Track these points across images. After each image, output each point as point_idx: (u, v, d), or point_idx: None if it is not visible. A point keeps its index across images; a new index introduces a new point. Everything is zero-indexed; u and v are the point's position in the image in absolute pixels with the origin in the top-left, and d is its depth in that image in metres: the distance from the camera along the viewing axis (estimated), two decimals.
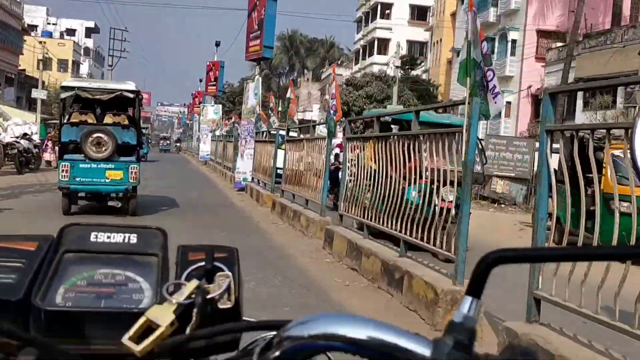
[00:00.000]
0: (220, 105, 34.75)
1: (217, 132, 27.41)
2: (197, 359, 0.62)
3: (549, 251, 0.65)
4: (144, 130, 36.27)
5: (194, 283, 0.61)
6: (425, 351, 0.47)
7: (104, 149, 9.62)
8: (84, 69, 61.74)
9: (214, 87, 34.64)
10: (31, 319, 0.60)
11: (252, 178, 15.09)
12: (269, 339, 0.53)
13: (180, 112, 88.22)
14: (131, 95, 9.94)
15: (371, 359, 0.49)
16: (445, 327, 0.48)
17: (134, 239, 0.68)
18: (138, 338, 0.56)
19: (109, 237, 0.68)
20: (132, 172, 9.73)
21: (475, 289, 0.48)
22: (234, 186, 16.46)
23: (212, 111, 32.27)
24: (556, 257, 0.62)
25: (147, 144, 35.74)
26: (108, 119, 10.10)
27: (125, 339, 0.56)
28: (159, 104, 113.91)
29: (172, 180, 17.78)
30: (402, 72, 33.88)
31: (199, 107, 40.00)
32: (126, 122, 10.19)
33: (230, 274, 0.64)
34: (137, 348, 0.55)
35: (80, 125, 9.72)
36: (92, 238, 0.68)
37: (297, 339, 0.50)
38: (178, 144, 59.18)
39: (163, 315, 0.57)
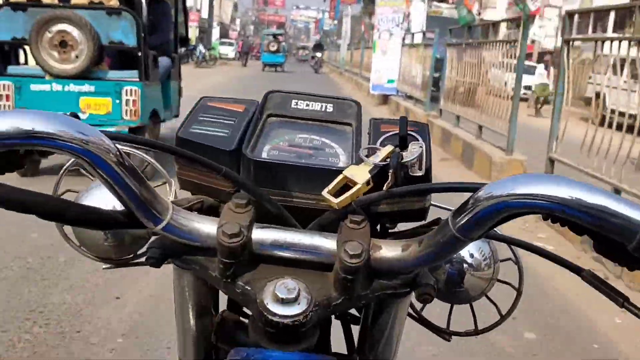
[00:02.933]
0: None
1: (416, 28, 13.84)
2: (387, 222, 0.70)
3: None
4: (280, 38, 31.20)
5: (389, 147, 0.64)
6: None
7: (73, 55, 5.16)
8: None
9: None
10: (242, 170, 0.66)
11: None
12: (463, 202, 0.53)
13: (317, 16, 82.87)
14: None
15: (577, 222, 0.48)
16: None
17: (330, 108, 0.73)
18: (336, 193, 0.61)
19: (307, 105, 0.73)
20: (127, 100, 5.18)
21: None
22: None
23: None
24: None
25: (284, 53, 31.52)
26: None
27: (325, 192, 0.61)
28: (295, 7, 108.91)
29: None
30: None
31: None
32: (115, 1, 5.52)
33: (423, 143, 0.66)
34: (336, 200, 0.60)
35: (30, 10, 5.24)
36: (293, 105, 0.73)
37: (495, 198, 0.50)
38: (318, 56, 33.62)
39: (359, 174, 0.61)
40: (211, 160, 0.63)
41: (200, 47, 28.06)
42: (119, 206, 0.62)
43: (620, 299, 0.56)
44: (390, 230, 0.72)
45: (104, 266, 0.79)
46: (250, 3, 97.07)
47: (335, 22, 61.42)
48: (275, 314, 0.56)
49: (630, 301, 0.55)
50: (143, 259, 0.72)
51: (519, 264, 0.81)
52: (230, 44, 44.57)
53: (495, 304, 0.81)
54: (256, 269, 0.61)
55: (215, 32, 37.59)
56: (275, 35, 31.31)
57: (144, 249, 0.72)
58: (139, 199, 0.57)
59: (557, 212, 0.48)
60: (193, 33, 35.38)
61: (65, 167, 0.77)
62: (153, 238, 0.65)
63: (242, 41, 39.16)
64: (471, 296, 0.77)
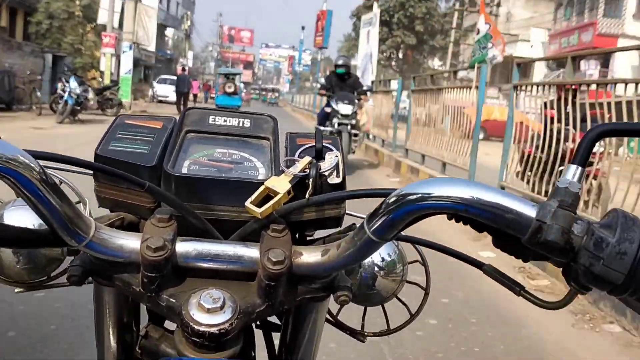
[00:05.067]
0: None
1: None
2: (306, 230, 0.72)
3: None
4: (237, 77, 24.99)
5: (307, 159, 0.66)
6: (531, 211, 0.50)
7: None
8: None
9: None
10: (162, 185, 0.65)
11: None
12: (376, 207, 0.56)
13: (294, 53, 70.46)
14: None
15: (477, 219, 0.52)
16: (550, 192, 0.51)
17: (247, 123, 0.73)
18: (258, 204, 0.62)
19: (225, 121, 0.73)
20: None
21: (580, 158, 0.52)
22: None
23: None
24: None
25: (241, 94, 26.75)
26: None
27: (247, 203, 0.62)
28: (264, 45, 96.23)
29: None
30: None
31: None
32: None
33: (338, 153, 0.69)
34: (259, 210, 0.61)
35: None
36: (210, 120, 0.73)
37: (406, 201, 0.53)
38: (344, 114, 8.99)
39: (280, 185, 0.63)
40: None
41: (71, 83, 13.73)
42: (34, 227, 0.67)
43: (517, 288, 0.61)
44: (308, 238, 0.74)
45: (16, 290, 0.76)
46: (214, 37, 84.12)
47: (310, 60, 50.09)
48: (201, 324, 0.57)
49: (526, 290, 0.61)
50: (57, 281, 0.76)
51: (426, 265, 0.85)
52: (174, 83, 31.68)
53: (405, 304, 0.85)
54: (181, 282, 0.62)
55: (127, 60, 22.19)
56: (231, 75, 26.10)
57: (58, 270, 0.74)
58: (62, 217, 0.56)
59: (461, 212, 0.52)
60: (107, 62, 22.07)
61: None
62: (71, 258, 0.65)
63: (178, 77, 25.14)
64: (383, 298, 0.80)
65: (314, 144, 0.69)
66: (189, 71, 40.30)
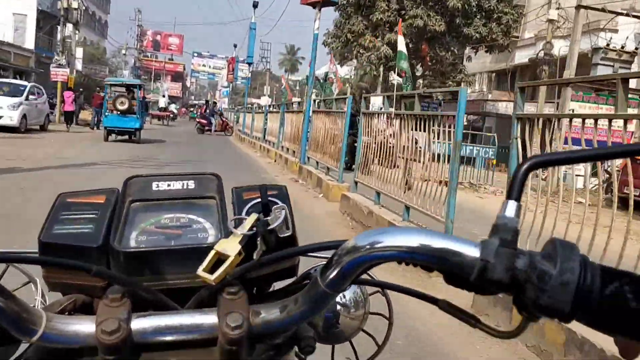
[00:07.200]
0: None
1: None
2: (261, 286, 0.72)
3: (579, 153, 0.61)
4: (134, 91, 18.99)
5: (254, 216, 0.66)
6: (475, 251, 0.51)
7: None
8: None
9: None
10: (111, 262, 0.65)
11: None
12: (328, 260, 0.57)
13: (232, 57, 56.68)
14: None
15: (425, 264, 0.54)
16: (491, 230, 0.52)
17: (192, 184, 0.73)
18: (211, 269, 0.62)
19: (169, 185, 0.72)
20: None
21: (516, 193, 0.52)
22: None
23: None
24: (585, 157, 0.59)
25: (142, 114, 19.23)
26: None
27: (200, 271, 0.61)
28: (196, 54, 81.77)
29: None
30: None
31: None
32: None
33: (285, 205, 0.69)
34: (212, 277, 0.61)
35: None
36: (154, 187, 0.72)
37: (354, 253, 0.55)
38: None
39: (230, 247, 0.62)
40: (80, 259, 0.62)
41: None
42: None
43: (472, 321, 0.61)
44: (266, 292, 0.73)
45: None
46: (131, 41, 68.79)
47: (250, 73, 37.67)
48: None
49: (481, 321, 0.61)
50: None
51: (386, 295, 0.84)
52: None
53: (371, 336, 0.84)
54: (140, 359, 0.61)
55: None
56: (129, 87, 19.22)
57: (15, 355, 0.71)
58: (10, 315, 0.56)
59: (408, 259, 0.54)
60: None
61: None
62: (26, 346, 0.64)
63: None
64: (349, 333, 0.80)
65: (260, 198, 0.69)
66: (74, 81, 25.71)
